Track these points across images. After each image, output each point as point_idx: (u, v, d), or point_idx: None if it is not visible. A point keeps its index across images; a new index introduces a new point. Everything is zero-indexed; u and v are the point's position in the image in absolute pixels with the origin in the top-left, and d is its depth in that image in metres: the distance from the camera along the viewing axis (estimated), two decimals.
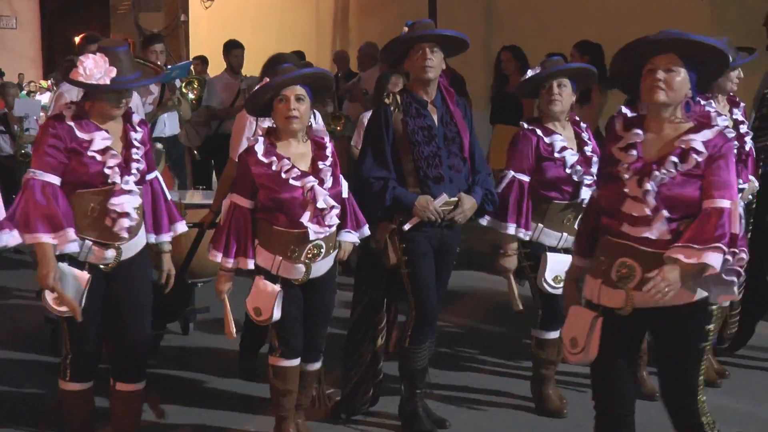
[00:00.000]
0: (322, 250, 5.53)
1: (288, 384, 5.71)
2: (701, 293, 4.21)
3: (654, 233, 4.12)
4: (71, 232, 4.95)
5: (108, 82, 4.97)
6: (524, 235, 6.34)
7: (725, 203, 4.09)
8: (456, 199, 5.97)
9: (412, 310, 6.13)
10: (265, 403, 6.33)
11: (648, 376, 6.95)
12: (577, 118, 6.66)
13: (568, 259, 5.92)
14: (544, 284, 6.41)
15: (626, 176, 4.19)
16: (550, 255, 6.43)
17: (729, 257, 4.04)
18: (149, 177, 5.46)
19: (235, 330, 5.84)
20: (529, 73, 6.53)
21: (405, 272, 6.03)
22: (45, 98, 23.27)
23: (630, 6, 10.88)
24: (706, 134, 4.15)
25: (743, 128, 6.95)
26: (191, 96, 11.25)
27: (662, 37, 4.19)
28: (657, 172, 4.11)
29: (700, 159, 4.10)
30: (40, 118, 18.43)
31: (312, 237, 5.42)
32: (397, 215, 5.91)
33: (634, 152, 4.23)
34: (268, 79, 5.58)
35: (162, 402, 6.01)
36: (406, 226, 5.87)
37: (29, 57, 35.40)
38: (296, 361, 5.75)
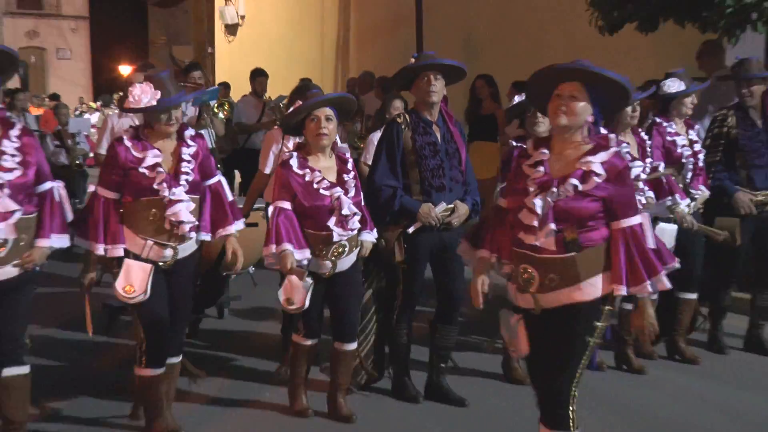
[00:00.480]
0: (345, 249, 5.43)
1: (301, 360, 5.68)
2: (596, 293, 3.95)
3: (540, 242, 3.89)
4: (119, 248, 4.87)
5: (155, 103, 4.86)
6: None
7: (635, 220, 3.93)
8: (452, 205, 5.77)
9: (399, 295, 5.93)
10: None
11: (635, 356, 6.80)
12: None
13: None
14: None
15: (531, 189, 3.93)
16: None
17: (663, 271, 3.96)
18: (210, 182, 5.26)
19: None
20: (517, 99, 6.48)
21: (403, 267, 5.81)
22: (94, 118, 22.88)
23: (588, 42, 10.51)
24: (603, 156, 3.86)
25: (697, 146, 6.75)
26: (221, 116, 10.82)
27: (569, 67, 3.92)
28: (555, 189, 3.85)
29: (599, 180, 3.83)
30: (90, 133, 18.02)
31: (336, 238, 5.33)
32: (403, 220, 5.71)
33: (542, 168, 3.96)
34: (300, 102, 5.55)
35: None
36: (411, 230, 5.67)
37: (81, 83, 35.06)
38: (313, 341, 5.68)
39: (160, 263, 4.97)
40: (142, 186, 4.86)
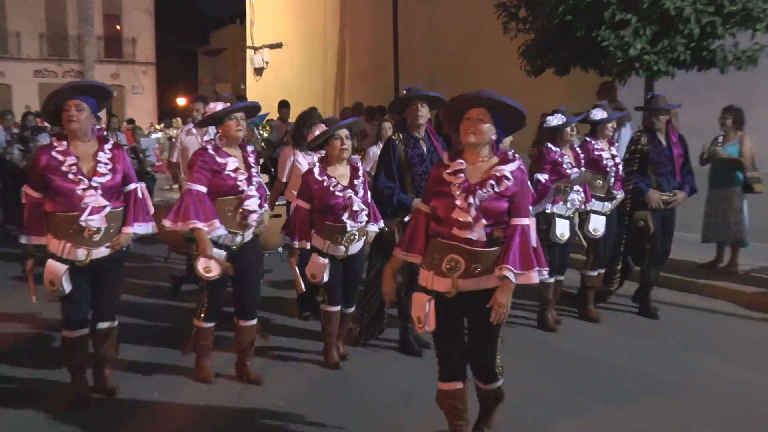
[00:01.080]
0: (355, 237, 5.37)
1: (332, 323, 5.57)
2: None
3: (474, 235, 3.73)
4: (217, 222, 4.77)
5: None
6: None
7: (525, 221, 3.79)
8: None
9: (404, 273, 5.69)
10: (313, 334, 6.12)
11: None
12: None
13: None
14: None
15: (456, 192, 3.75)
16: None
17: (539, 269, 3.80)
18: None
19: (303, 285, 5.59)
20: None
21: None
22: (158, 135, 22.83)
23: (519, 82, 10.47)
24: (511, 166, 3.77)
25: (617, 159, 6.81)
26: (265, 134, 11.26)
27: (477, 96, 3.74)
28: (480, 191, 3.71)
29: (509, 184, 3.73)
30: (155, 148, 18.00)
31: (349, 229, 5.29)
32: (401, 212, 5.68)
33: (462, 175, 3.79)
34: (324, 126, 5.44)
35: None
36: (406, 219, 5.54)
37: (149, 111, 34.88)
38: (337, 308, 5.58)
39: (233, 247, 4.94)
40: (224, 186, 4.84)
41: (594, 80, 9.34)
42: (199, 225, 4.70)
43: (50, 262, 4.47)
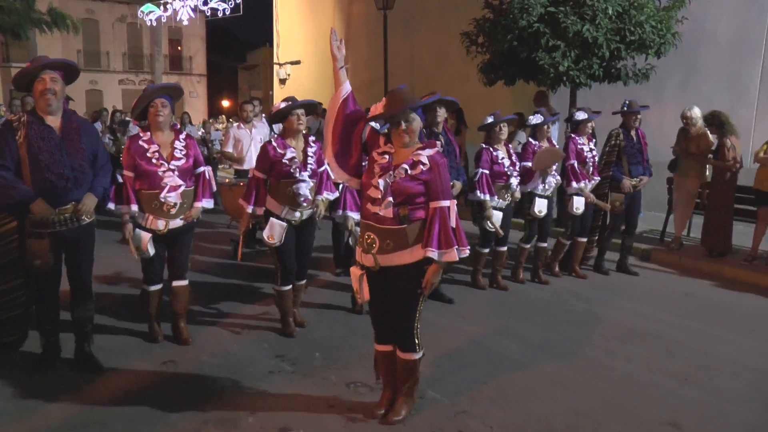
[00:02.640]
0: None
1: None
2: (419, 256, 3.15)
3: (382, 211, 3.13)
4: (258, 209, 4.49)
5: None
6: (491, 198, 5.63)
7: (446, 203, 3.14)
8: (452, 183, 4.87)
9: None
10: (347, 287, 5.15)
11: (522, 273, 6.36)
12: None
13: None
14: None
15: (375, 171, 3.18)
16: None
17: (458, 248, 3.12)
18: (320, 170, 4.58)
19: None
20: (489, 119, 5.83)
21: None
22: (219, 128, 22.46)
23: (477, 92, 10.28)
24: (429, 152, 3.16)
25: (594, 152, 6.41)
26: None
27: (404, 105, 3.13)
28: (391, 172, 3.13)
29: (424, 168, 3.11)
30: (220, 139, 17.50)
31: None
32: None
33: (387, 157, 3.20)
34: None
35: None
36: None
37: (201, 111, 34.34)
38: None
39: (293, 221, 4.48)
40: (283, 171, 4.40)
41: (533, 90, 9.24)
42: (249, 210, 4.48)
43: (137, 230, 4.22)
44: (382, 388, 3.53)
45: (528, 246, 6.36)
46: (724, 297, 6.11)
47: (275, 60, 23.17)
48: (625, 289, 6.28)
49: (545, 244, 6.39)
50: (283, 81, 22.52)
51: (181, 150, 4.29)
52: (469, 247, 3.22)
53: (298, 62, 21.00)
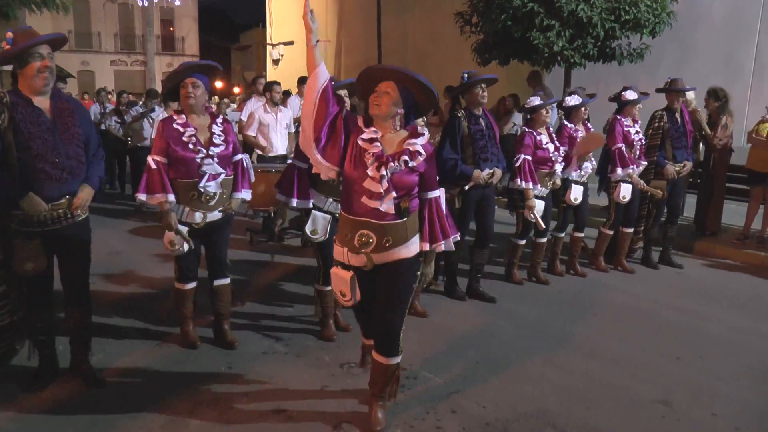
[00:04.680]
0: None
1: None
2: (416, 249, 2.94)
3: (383, 207, 2.83)
4: (307, 202, 4.00)
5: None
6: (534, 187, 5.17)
7: (436, 193, 2.94)
8: (492, 171, 4.83)
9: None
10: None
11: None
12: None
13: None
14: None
15: (369, 162, 2.82)
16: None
17: (453, 236, 2.97)
18: None
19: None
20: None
21: (458, 209, 4.85)
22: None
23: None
24: (422, 140, 2.89)
25: (640, 134, 5.88)
26: None
27: (386, 68, 2.89)
28: (392, 163, 2.82)
29: (422, 159, 2.86)
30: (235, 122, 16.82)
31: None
32: (462, 181, 4.78)
33: (378, 144, 2.85)
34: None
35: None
36: (467, 187, 4.78)
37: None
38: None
39: (336, 214, 3.97)
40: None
41: (527, 70, 9.18)
42: (293, 203, 3.93)
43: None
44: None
45: (562, 235, 5.95)
46: (716, 276, 6.13)
47: (268, 40, 22.99)
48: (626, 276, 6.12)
49: (581, 234, 5.97)
50: (276, 62, 22.36)
51: (219, 135, 3.81)
52: (458, 233, 3.09)
53: (291, 43, 20.81)
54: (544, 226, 5.37)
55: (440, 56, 13.13)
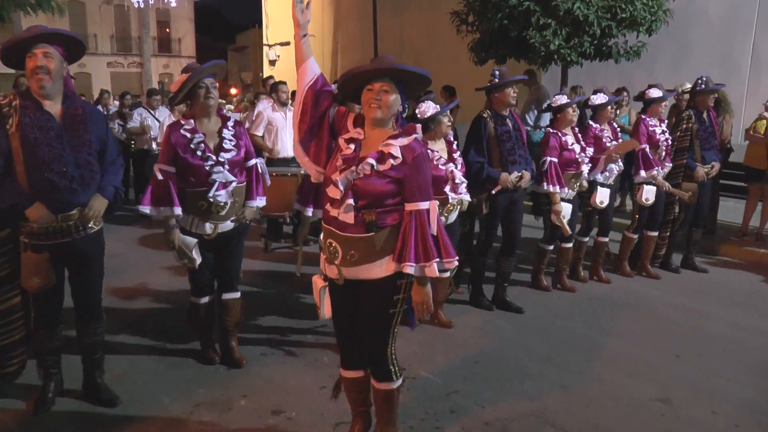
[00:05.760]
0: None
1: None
2: (391, 270, 2.47)
3: (341, 216, 2.45)
4: (310, 210, 3.89)
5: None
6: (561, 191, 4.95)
7: (424, 205, 2.42)
8: (521, 174, 4.58)
9: (482, 235, 4.80)
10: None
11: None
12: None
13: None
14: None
15: (337, 164, 2.49)
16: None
17: (439, 260, 2.43)
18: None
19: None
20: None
21: (485, 214, 4.63)
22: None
23: (467, 71, 10.13)
24: (403, 141, 2.43)
25: (666, 134, 5.62)
26: None
27: (379, 66, 2.46)
28: (354, 167, 2.43)
29: (395, 163, 2.40)
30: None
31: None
32: (488, 184, 4.54)
33: (353, 146, 2.48)
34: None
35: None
36: (494, 191, 4.53)
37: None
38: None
39: None
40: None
41: (524, 69, 9.14)
42: (308, 213, 3.84)
43: (181, 236, 3.50)
44: (351, 420, 2.94)
45: (586, 239, 5.70)
46: (715, 273, 6.11)
47: (265, 41, 22.98)
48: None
49: (606, 239, 5.69)
50: (273, 62, 22.37)
51: (230, 140, 3.55)
52: (456, 258, 2.52)
53: (287, 43, 20.79)
54: (570, 232, 5.17)
55: (436, 56, 13.12)
